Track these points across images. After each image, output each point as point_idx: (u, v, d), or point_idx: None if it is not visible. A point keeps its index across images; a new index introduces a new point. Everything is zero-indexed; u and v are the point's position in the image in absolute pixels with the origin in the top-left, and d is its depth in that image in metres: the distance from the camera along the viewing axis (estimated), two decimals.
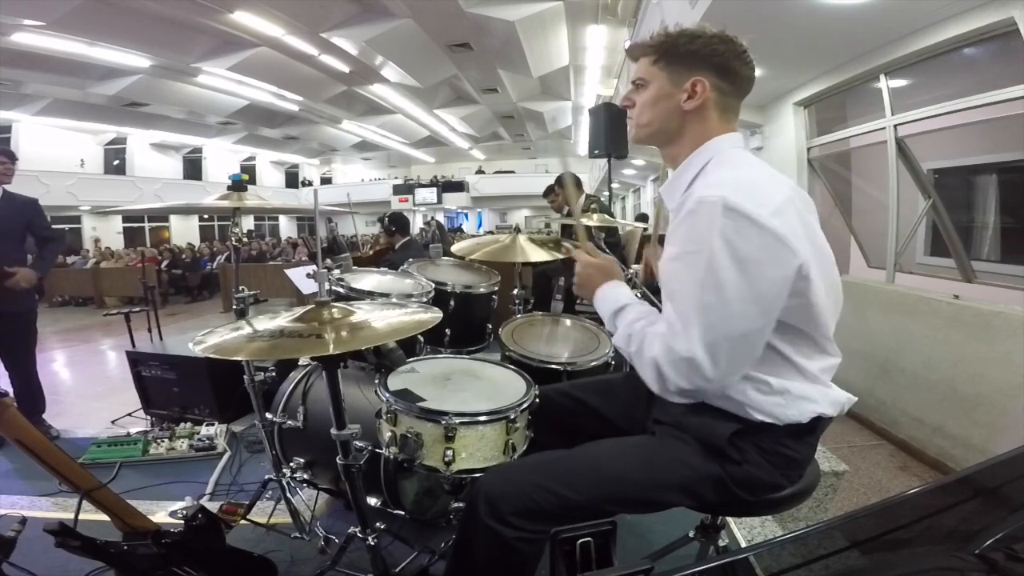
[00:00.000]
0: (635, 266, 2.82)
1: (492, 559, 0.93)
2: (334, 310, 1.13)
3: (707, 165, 0.95)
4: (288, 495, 1.66)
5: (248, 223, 16.13)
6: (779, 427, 0.94)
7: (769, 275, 0.82)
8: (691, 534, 1.29)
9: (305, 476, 1.64)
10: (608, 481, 0.95)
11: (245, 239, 1.68)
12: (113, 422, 2.86)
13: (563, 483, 0.93)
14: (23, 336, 2.70)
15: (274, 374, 1.88)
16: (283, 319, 1.12)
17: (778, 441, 0.95)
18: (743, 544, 1.66)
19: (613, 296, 1.04)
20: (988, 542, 0.54)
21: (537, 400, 1.26)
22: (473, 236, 4.40)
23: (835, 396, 0.97)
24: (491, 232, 14.81)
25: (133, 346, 3.05)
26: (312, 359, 1.59)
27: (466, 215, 22.75)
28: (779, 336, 0.90)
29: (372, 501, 1.48)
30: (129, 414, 2.91)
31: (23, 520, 1.17)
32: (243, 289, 1.53)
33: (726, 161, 0.94)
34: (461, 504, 1.28)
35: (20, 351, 2.69)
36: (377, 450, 1.31)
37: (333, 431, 1.17)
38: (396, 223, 4.06)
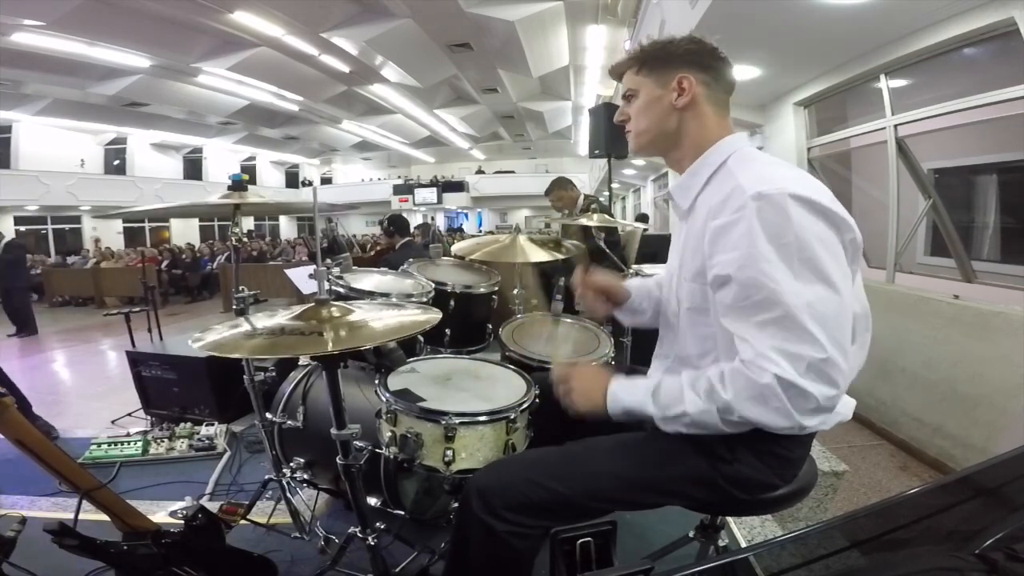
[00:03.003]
0: (635, 267, 2.83)
1: (488, 555, 0.93)
2: (333, 309, 1.13)
3: (727, 162, 0.95)
4: (288, 495, 1.66)
5: (248, 223, 16.16)
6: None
7: (842, 254, 0.84)
8: (691, 534, 1.29)
9: (305, 476, 1.64)
10: (598, 477, 0.95)
11: (245, 239, 1.68)
12: (113, 422, 2.86)
13: (553, 478, 0.93)
14: None
15: (274, 374, 1.88)
16: (282, 317, 1.12)
17: (771, 441, 0.94)
18: (743, 544, 1.66)
19: (628, 387, 0.97)
20: (988, 542, 0.54)
21: (537, 400, 1.26)
22: (473, 236, 4.41)
23: (842, 410, 0.96)
24: (491, 232, 14.81)
25: (133, 346, 3.06)
26: (312, 359, 1.60)
27: (466, 215, 22.74)
28: None
29: (372, 501, 1.47)
30: (129, 414, 2.91)
31: (23, 520, 1.17)
32: (243, 289, 1.53)
33: (752, 158, 0.94)
34: None
35: None
36: (377, 450, 1.31)
37: (333, 431, 1.17)
38: (395, 224, 4.09)
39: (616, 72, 1.07)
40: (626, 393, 0.96)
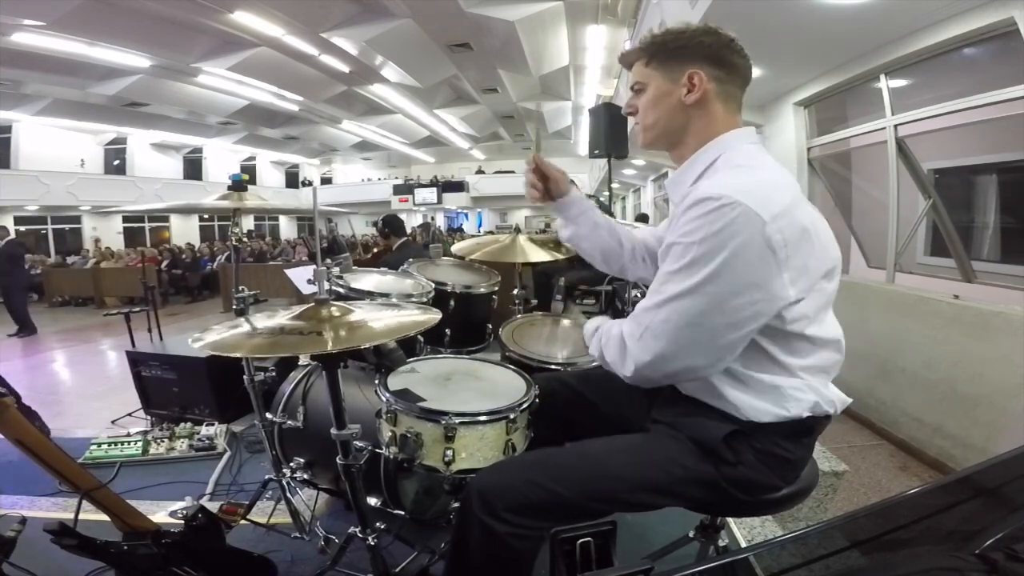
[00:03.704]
0: None
1: (488, 555, 0.93)
2: (333, 309, 1.13)
3: (717, 161, 0.94)
4: (288, 495, 1.66)
5: (248, 223, 16.16)
6: (774, 427, 0.93)
7: (751, 278, 0.82)
8: (691, 534, 1.29)
9: (305, 476, 1.64)
10: (599, 478, 0.95)
11: (245, 239, 1.68)
12: (113, 422, 2.86)
13: (554, 479, 0.93)
14: None
15: (274, 374, 1.87)
16: (282, 317, 1.12)
17: (773, 442, 0.94)
18: (743, 544, 1.66)
19: (591, 323, 1.10)
20: (988, 542, 0.54)
21: (537, 400, 1.26)
22: (473, 236, 4.41)
23: (828, 394, 0.96)
24: (491, 232, 14.81)
25: (133, 346, 3.06)
26: (312, 358, 1.59)
27: (466, 215, 22.74)
28: (763, 334, 0.89)
29: (372, 501, 1.47)
30: (129, 414, 2.91)
31: (23, 520, 1.17)
32: (243, 289, 1.53)
33: (737, 159, 0.93)
34: None
35: None
36: (377, 450, 1.31)
37: (333, 431, 1.17)
38: (390, 225, 4.06)
39: (626, 61, 1.04)
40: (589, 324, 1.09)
